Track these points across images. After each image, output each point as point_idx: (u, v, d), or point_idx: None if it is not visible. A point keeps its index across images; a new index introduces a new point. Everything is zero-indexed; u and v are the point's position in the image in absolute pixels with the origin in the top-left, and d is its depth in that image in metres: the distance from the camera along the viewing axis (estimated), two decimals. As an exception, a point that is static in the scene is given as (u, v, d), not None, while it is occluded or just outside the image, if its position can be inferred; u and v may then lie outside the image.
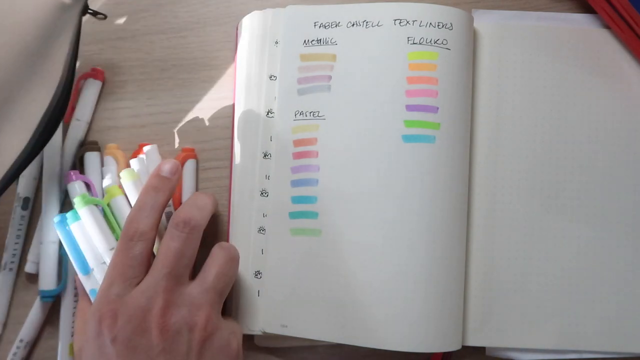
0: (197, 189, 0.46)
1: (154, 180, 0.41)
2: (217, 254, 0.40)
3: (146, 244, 0.39)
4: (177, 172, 0.42)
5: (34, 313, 0.44)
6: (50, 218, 0.44)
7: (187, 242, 0.39)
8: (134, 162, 0.44)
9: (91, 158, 0.45)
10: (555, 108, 0.44)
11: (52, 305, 0.45)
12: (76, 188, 0.43)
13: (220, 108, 0.47)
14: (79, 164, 0.45)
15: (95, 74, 0.46)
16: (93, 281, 0.42)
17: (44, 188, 0.44)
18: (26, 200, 0.45)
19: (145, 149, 0.45)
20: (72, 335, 0.43)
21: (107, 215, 0.43)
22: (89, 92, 0.46)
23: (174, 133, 0.47)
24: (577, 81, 0.45)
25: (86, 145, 0.46)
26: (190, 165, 0.45)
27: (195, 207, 0.40)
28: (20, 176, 0.45)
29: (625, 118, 0.44)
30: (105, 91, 0.47)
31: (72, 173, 0.43)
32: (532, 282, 0.43)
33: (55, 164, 0.45)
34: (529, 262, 0.43)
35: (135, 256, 0.38)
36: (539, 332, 0.42)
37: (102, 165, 0.45)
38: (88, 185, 0.44)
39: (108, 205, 0.43)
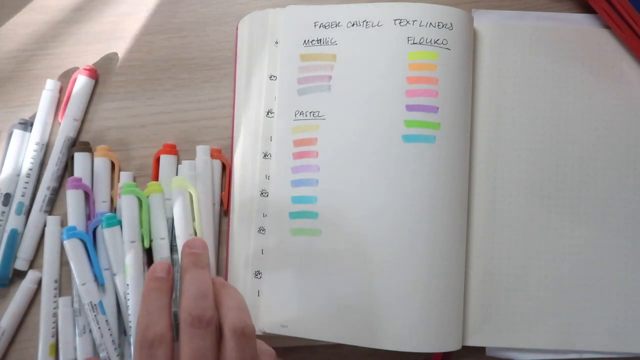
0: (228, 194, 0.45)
1: (153, 284, 0.38)
2: (238, 343, 0.36)
3: (167, 347, 0.36)
4: (171, 272, 0.39)
5: (14, 302, 0.44)
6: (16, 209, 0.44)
7: (207, 337, 0.36)
8: (185, 165, 0.44)
9: (81, 159, 0.45)
10: (555, 108, 0.44)
11: (34, 306, 0.45)
12: (74, 196, 0.44)
13: (220, 108, 0.47)
14: (70, 164, 0.45)
15: (88, 72, 0.46)
16: (95, 294, 0.43)
17: (20, 180, 0.45)
18: (7, 196, 0.45)
19: (199, 149, 0.45)
20: (52, 336, 0.43)
21: (142, 209, 0.43)
22: (82, 90, 0.46)
23: (173, 133, 0.47)
24: (577, 81, 0.45)
25: (77, 145, 0.45)
26: (216, 165, 0.45)
27: (201, 298, 0.37)
28: (2, 172, 0.45)
29: (625, 118, 0.44)
30: (105, 91, 0.47)
31: (72, 180, 0.44)
32: (532, 282, 0.43)
33: (38, 159, 0.46)
34: (529, 262, 0.43)
35: None
36: (539, 332, 0.42)
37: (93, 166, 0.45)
38: (87, 194, 0.44)
39: (147, 197, 0.44)
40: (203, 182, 0.44)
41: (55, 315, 0.43)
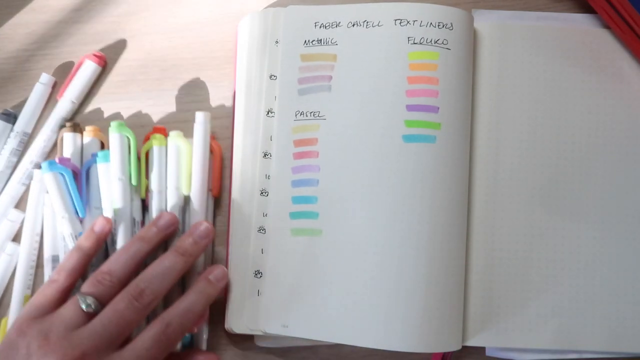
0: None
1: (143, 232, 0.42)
2: (152, 328, 0.38)
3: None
4: (174, 224, 0.42)
5: None
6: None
7: (134, 310, 0.38)
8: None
9: (70, 139, 0.45)
10: (555, 108, 0.44)
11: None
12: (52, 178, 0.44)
13: (220, 108, 0.47)
14: (60, 145, 0.45)
15: (97, 58, 0.46)
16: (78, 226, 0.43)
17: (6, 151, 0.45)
18: None
19: (198, 115, 0.45)
20: (28, 288, 0.44)
21: (132, 148, 0.44)
22: (85, 74, 0.46)
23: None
24: (577, 81, 0.45)
25: (67, 126, 0.45)
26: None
27: (159, 276, 0.40)
28: None
29: (625, 118, 0.44)
30: (105, 91, 0.47)
31: (58, 159, 0.44)
32: (532, 281, 0.43)
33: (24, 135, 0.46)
34: (528, 262, 0.43)
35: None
36: (539, 332, 0.42)
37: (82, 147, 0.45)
38: (75, 174, 0.44)
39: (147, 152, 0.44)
40: (202, 148, 0.44)
41: (32, 267, 0.44)
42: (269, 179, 0.44)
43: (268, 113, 0.44)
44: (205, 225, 0.42)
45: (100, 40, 0.48)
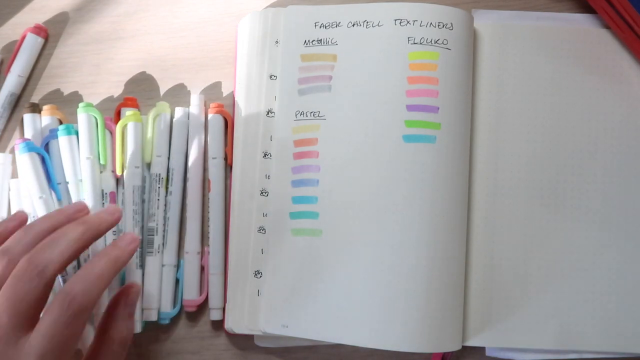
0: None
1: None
2: (53, 303, 0.35)
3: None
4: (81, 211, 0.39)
5: None
6: None
7: (34, 284, 0.34)
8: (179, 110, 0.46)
9: (30, 119, 0.45)
10: (555, 108, 0.44)
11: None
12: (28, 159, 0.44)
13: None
14: (20, 126, 0.46)
15: (37, 30, 0.47)
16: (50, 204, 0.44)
17: None
18: None
19: (193, 97, 0.46)
20: None
21: (99, 127, 0.45)
22: (29, 48, 0.47)
23: (174, 133, 0.47)
24: (577, 81, 0.45)
25: (26, 107, 0.45)
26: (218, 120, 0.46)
27: (87, 280, 0.35)
28: None
29: (625, 118, 0.44)
30: (104, 91, 0.47)
31: (20, 141, 0.44)
32: (532, 282, 0.43)
33: None
34: (529, 262, 0.43)
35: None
36: (539, 332, 0.42)
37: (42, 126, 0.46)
38: (42, 157, 0.44)
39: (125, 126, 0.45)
40: (195, 130, 0.45)
41: None
42: (269, 179, 0.44)
43: (268, 113, 0.44)
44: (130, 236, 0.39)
45: (100, 40, 0.48)
